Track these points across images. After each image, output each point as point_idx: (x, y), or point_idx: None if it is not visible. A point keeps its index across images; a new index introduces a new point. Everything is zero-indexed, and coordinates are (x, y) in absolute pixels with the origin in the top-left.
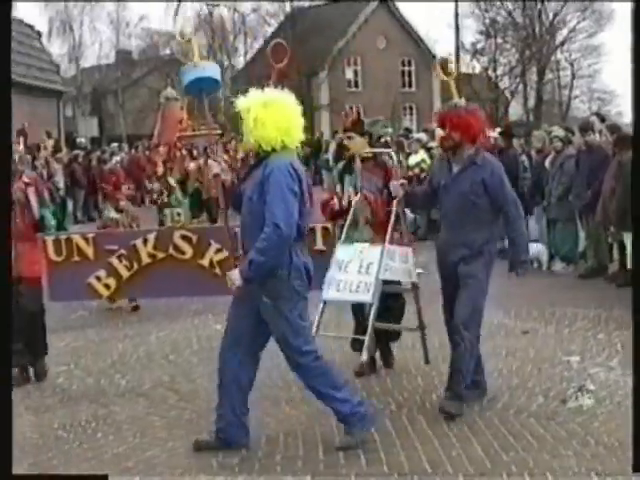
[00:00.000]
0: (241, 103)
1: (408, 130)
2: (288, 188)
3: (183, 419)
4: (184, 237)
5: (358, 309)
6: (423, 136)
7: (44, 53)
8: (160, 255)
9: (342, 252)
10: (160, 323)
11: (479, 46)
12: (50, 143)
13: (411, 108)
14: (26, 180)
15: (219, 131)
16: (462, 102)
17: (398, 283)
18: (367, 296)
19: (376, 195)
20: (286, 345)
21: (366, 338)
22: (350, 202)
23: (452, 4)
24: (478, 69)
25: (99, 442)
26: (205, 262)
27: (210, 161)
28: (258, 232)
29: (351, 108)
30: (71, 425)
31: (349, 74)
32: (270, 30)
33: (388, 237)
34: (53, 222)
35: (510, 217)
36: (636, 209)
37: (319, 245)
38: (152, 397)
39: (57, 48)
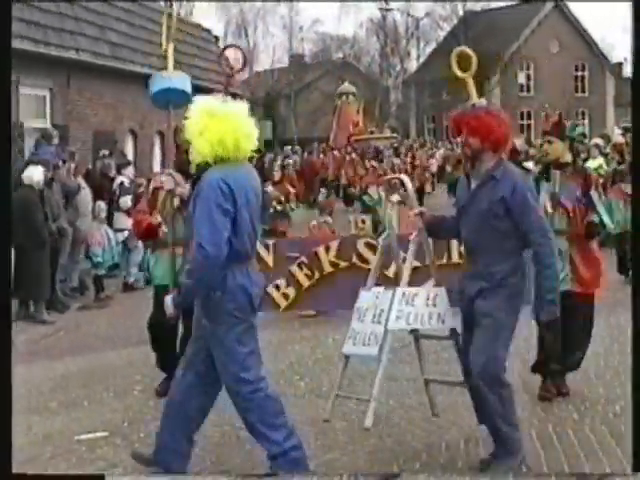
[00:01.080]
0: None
1: (583, 135)
2: (216, 205)
3: (362, 422)
4: (369, 245)
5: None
6: (601, 141)
7: (221, 57)
8: (343, 264)
9: (362, 299)
10: (336, 325)
11: None
12: None
13: (583, 113)
14: None
15: (395, 135)
16: (483, 102)
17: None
18: (374, 349)
19: (574, 204)
20: (223, 371)
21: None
22: (545, 211)
23: (628, 7)
24: None
25: None
26: (391, 273)
27: (163, 176)
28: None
29: (559, 113)
30: None
31: (521, 78)
32: (442, 34)
33: (405, 278)
34: None
35: (535, 247)
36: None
37: None
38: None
39: (231, 52)
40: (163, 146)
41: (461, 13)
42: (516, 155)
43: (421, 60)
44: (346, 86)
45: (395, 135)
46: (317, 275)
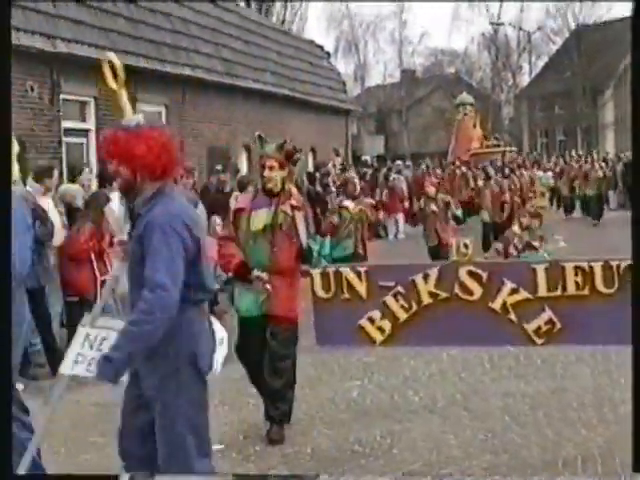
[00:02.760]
0: None
1: None
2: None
3: (477, 439)
4: (472, 274)
5: None
6: None
7: (333, 72)
8: (443, 295)
9: None
10: None
11: None
12: (338, 161)
13: None
14: (294, 203)
15: (514, 148)
16: (139, 120)
17: None
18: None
19: None
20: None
21: None
22: None
23: None
24: None
25: (395, 458)
26: (497, 305)
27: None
28: None
29: None
30: (366, 440)
31: None
32: (555, 48)
33: (94, 313)
34: (316, 255)
35: (142, 298)
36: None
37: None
38: (446, 415)
39: (342, 67)
40: None
41: (573, 26)
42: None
43: (533, 74)
44: (464, 96)
45: (513, 148)
46: (415, 307)
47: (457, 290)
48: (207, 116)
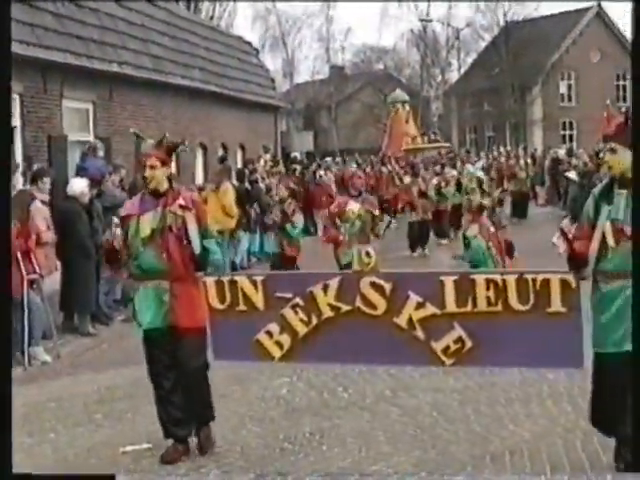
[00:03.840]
0: None
1: None
2: None
3: (407, 434)
4: (374, 285)
5: None
6: None
7: (262, 69)
8: (345, 308)
9: None
10: None
11: None
12: (267, 157)
13: None
14: (182, 203)
15: (448, 144)
16: None
17: None
18: None
19: None
20: None
21: None
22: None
23: None
24: None
25: (325, 455)
26: (402, 321)
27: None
28: None
29: (624, 112)
30: (295, 437)
31: (563, 88)
32: (484, 44)
33: None
34: (219, 256)
35: None
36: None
37: (555, 306)
38: (375, 411)
39: (270, 63)
40: (205, 159)
41: (502, 23)
42: (558, 165)
43: (462, 71)
44: (398, 93)
45: (448, 144)
46: (315, 321)
47: (359, 303)
48: (135, 113)
